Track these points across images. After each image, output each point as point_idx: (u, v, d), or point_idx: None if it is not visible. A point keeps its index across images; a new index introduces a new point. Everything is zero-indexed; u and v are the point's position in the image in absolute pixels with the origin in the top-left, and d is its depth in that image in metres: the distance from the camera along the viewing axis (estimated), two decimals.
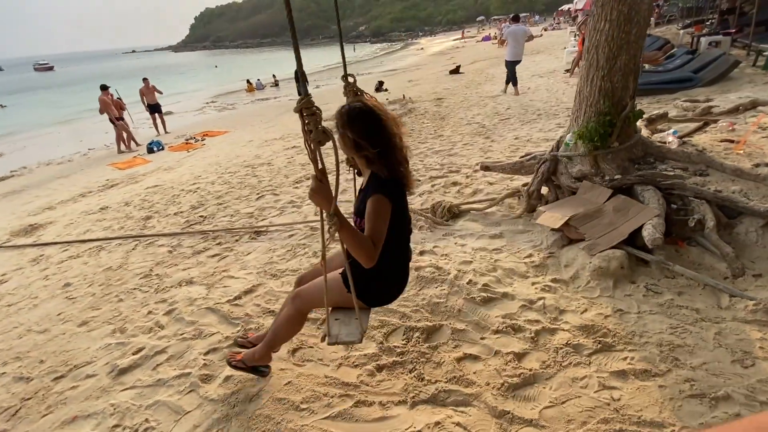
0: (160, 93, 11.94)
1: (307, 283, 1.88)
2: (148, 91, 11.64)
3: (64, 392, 2.30)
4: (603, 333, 2.07)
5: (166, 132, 12.21)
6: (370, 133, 1.51)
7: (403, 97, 10.47)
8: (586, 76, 2.81)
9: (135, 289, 3.24)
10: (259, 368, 2.04)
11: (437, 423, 1.74)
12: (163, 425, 1.96)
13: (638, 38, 2.56)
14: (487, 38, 35.46)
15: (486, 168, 3.79)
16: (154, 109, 11.98)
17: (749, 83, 6.86)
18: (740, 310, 2.06)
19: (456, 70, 16.07)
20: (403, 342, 2.27)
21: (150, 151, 9.86)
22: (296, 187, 5.05)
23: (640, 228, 2.52)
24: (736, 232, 2.49)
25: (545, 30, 33.77)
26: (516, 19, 9.79)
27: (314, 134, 1.28)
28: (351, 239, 1.41)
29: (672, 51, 10.30)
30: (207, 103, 19.00)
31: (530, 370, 1.93)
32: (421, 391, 1.93)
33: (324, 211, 1.38)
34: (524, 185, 3.51)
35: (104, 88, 10.24)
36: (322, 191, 1.38)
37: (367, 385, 2.02)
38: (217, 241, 3.86)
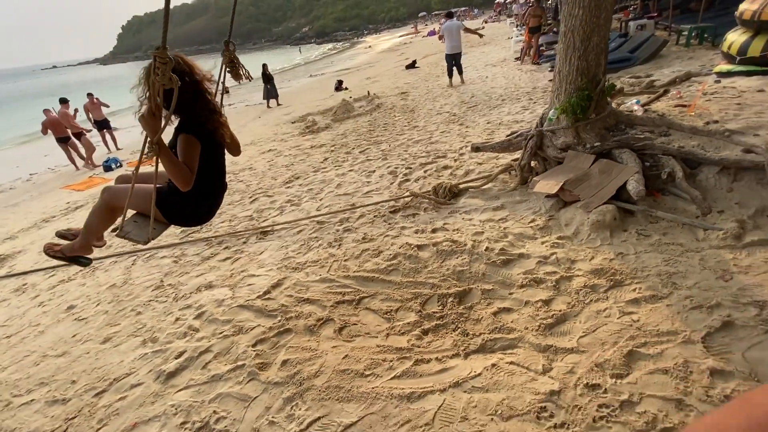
0: (107, 106, 11.28)
1: (122, 184, 2.12)
2: (93, 107, 10.94)
3: (113, 404, 2.30)
4: (612, 273, 2.41)
5: (117, 149, 11.56)
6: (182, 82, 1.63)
7: (368, 93, 10.66)
8: (564, 57, 3.17)
9: (151, 301, 3.21)
10: (79, 258, 2.19)
11: (493, 365, 1.98)
12: (233, 413, 2.05)
13: (606, 21, 2.94)
14: (432, 33, 36.41)
15: (477, 149, 4.10)
16: (102, 125, 11.28)
17: (677, 59, 7.73)
18: (714, 239, 2.48)
19: (412, 65, 16.49)
20: (440, 307, 2.49)
21: (108, 169, 9.34)
22: (288, 187, 5.10)
23: (624, 184, 2.92)
24: (698, 179, 2.95)
25: (485, 22, 35.25)
26: (450, 15, 10.31)
27: (161, 78, 1.46)
28: (169, 164, 1.68)
29: None
30: None
31: (560, 311, 2.22)
32: (469, 344, 2.16)
33: (148, 138, 1.62)
34: (514, 161, 3.85)
35: (63, 101, 9.59)
36: (152, 122, 1.60)
37: (419, 347, 2.22)
38: (224, 246, 3.87)
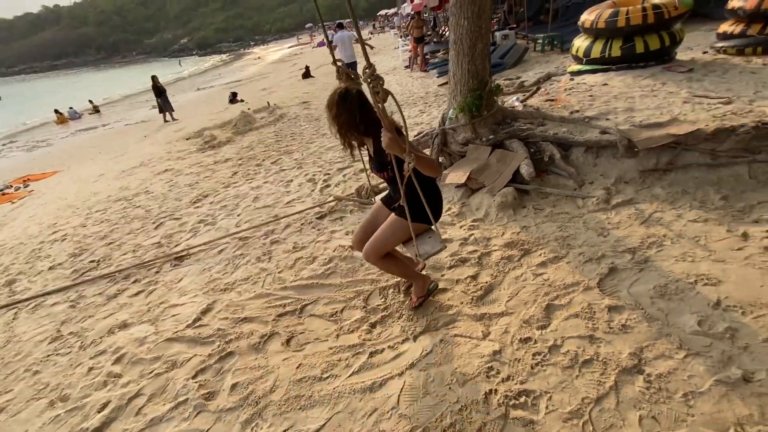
0: None
1: (372, 239, 2.18)
2: None
3: None
4: (521, 244, 2.79)
5: None
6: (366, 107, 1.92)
7: (268, 104, 10.36)
8: (456, 62, 3.55)
9: (50, 356, 2.70)
10: (431, 290, 2.44)
11: (441, 340, 2.15)
12: None
13: (486, 31, 3.40)
14: (321, 43, 36.71)
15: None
16: None
17: (537, 63, 9.13)
18: (590, 205, 3.05)
19: (307, 74, 16.46)
20: (382, 300, 2.60)
21: None
22: (198, 207, 4.72)
23: (518, 169, 3.40)
24: (571, 159, 3.58)
25: (371, 34, 36.86)
26: (341, 26, 10.72)
27: (381, 94, 1.56)
28: (424, 162, 1.81)
29: None
30: (3, 144, 14.92)
31: (486, 282, 2.50)
32: (416, 327, 2.30)
33: (399, 154, 1.73)
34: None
35: None
36: (397, 140, 1.69)
37: (371, 340, 2.29)
38: (132, 280, 3.43)
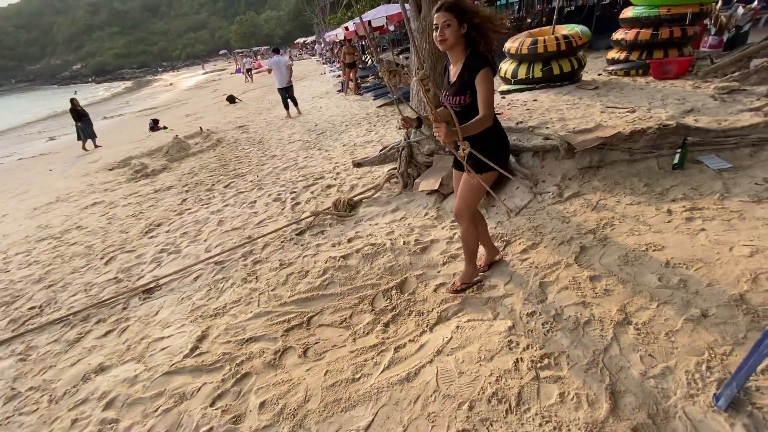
0: None
1: (457, 199, 2.34)
2: None
3: None
4: (500, 236, 3.12)
5: None
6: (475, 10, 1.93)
7: (201, 129, 9.86)
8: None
9: (10, 418, 2.29)
10: (475, 282, 2.60)
11: (457, 327, 2.33)
12: None
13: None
14: (239, 70, 35.89)
15: (358, 164, 4.48)
16: None
17: None
18: (548, 199, 3.52)
19: (232, 100, 16.00)
20: (387, 301, 2.71)
21: None
22: (152, 237, 4.34)
23: None
24: (522, 162, 4.10)
25: (292, 60, 37.11)
26: (276, 51, 10.84)
27: (432, 94, 1.69)
28: (475, 129, 1.87)
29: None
30: None
31: (483, 272, 2.76)
32: (428, 320, 2.46)
33: (456, 140, 1.84)
34: (391, 170, 4.40)
35: None
36: (450, 132, 1.80)
37: (390, 338, 2.39)
38: (95, 320, 3.05)
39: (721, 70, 5.19)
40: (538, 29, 6.16)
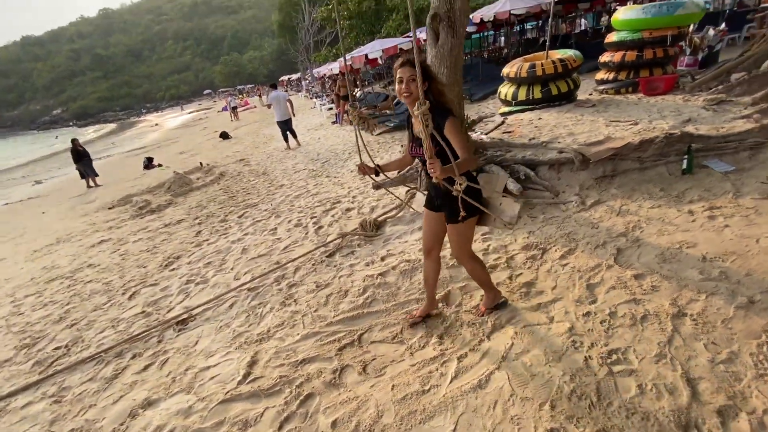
0: None
1: (453, 246, 2.37)
2: None
3: None
4: (535, 245, 3.21)
5: None
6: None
7: (201, 164, 9.89)
8: None
9: None
10: (499, 305, 2.57)
11: (515, 333, 2.35)
12: None
13: (459, 77, 4.03)
14: (225, 108, 36.41)
15: (378, 186, 4.56)
16: None
17: (465, 109, 10.51)
18: (572, 209, 3.66)
19: (225, 136, 16.17)
20: (436, 315, 2.72)
21: None
22: (173, 269, 4.27)
23: (505, 187, 3.93)
24: (539, 175, 4.26)
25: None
26: (274, 87, 11.18)
27: (429, 125, 1.76)
28: (464, 168, 1.96)
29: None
30: None
31: (525, 280, 2.81)
32: (483, 329, 2.47)
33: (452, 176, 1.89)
34: (409, 190, 4.50)
35: None
36: (445, 169, 1.85)
37: (448, 349, 2.38)
38: (131, 355, 2.95)
39: (704, 85, 5.60)
40: (532, 55, 6.57)
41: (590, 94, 6.97)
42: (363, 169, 2.40)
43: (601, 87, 6.66)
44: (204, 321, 3.21)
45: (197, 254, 4.55)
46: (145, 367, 2.79)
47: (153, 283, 4.03)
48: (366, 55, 10.53)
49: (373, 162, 2.53)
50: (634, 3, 8.05)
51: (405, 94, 2.02)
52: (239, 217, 5.64)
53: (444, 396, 2.03)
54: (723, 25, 7.60)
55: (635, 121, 4.62)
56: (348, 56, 14.35)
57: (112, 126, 51.40)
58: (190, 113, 45.27)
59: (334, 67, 13.41)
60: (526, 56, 6.56)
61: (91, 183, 11.51)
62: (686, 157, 3.79)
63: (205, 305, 3.40)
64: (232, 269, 3.98)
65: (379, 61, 11.55)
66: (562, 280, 2.72)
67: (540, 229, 3.44)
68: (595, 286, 2.58)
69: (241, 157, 10.55)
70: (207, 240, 4.94)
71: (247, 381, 2.43)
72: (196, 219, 5.98)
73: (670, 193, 3.56)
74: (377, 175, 2.47)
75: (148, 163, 12.65)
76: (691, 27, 7.08)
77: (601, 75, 6.81)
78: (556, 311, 2.45)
